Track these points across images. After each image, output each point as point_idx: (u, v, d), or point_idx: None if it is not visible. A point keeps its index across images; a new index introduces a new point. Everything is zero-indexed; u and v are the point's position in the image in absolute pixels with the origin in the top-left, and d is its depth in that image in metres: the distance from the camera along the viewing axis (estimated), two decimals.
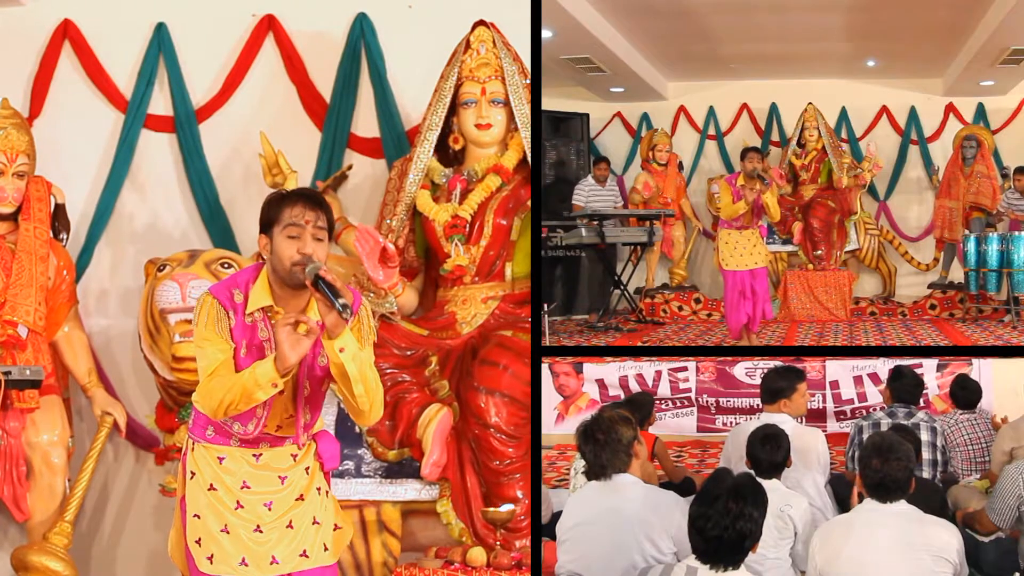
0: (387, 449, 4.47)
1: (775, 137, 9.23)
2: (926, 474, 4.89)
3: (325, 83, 5.35)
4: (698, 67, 9.28)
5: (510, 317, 4.76)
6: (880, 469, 3.45)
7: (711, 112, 9.37)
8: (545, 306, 6.90)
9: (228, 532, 3.26)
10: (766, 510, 3.05)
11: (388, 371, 4.47)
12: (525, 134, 4.78)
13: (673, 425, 7.32)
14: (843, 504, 4.46)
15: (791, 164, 8.75)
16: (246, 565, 3.25)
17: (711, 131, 9.39)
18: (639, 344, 7.50)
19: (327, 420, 4.48)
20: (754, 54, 8.82)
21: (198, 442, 3.35)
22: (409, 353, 4.64)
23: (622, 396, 7.13)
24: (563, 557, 3.76)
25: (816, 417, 6.89)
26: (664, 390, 7.36)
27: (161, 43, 5.38)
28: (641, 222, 8.40)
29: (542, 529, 4.52)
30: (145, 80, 5.38)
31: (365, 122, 5.34)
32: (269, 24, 5.37)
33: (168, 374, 4.69)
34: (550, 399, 7.28)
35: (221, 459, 3.31)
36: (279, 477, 3.34)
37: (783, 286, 8.44)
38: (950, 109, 9.02)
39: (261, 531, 3.27)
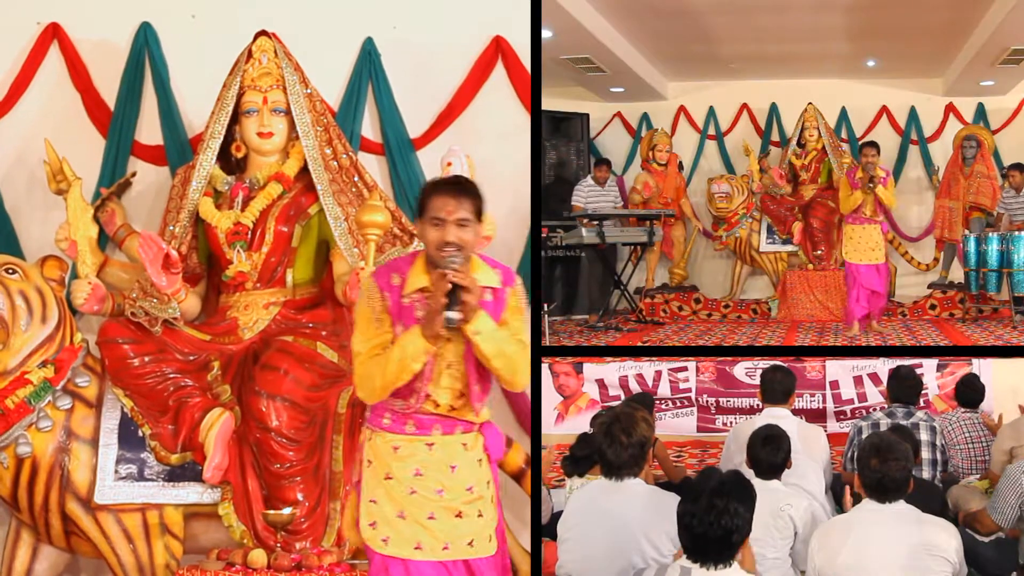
0: (169, 453, 4.57)
1: (775, 137, 9.23)
2: (926, 474, 4.89)
3: (109, 91, 5.39)
4: (698, 67, 9.28)
5: (292, 323, 4.86)
6: (878, 469, 3.46)
7: (711, 112, 9.37)
8: (545, 306, 6.91)
9: (404, 518, 3.42)
10: (754, 506, 3.04)
11: (171, 376, 4.63)
12: (306, 142, 4.88)
13: (673, 425, 7.31)
14: (839, 504, 4.47)
15: (791, 164, 8.75)
16: (420, 549, 3.41)
17: (711, 131, 9.39)
18: (639, 344, 7.51)
19: (110, 425, 4.61)
20: (754, 54, 8.82)
21: (376, 432, 3.50)
22: (192, 358, 4.73)
23: (622, 396, 7.12)
24: (564, 557, 3.77)
25: (816, 417, 6.87)
26: (664, 390, 7.35)
27: None
28: (641, 222, 8.40)
29: (542, 529, 4.54)
30: None
31: (149, 130, 5.39)
32: (54, 32, 5.40)
33: None
34: (550, 399, 7.28)
35: (396, 448, 3.45)
36: (450, 467, 3.45)
37: (783, 286, 8.44)
38: (950, 109, 9.02)
39: (435, 518, 3.42)
